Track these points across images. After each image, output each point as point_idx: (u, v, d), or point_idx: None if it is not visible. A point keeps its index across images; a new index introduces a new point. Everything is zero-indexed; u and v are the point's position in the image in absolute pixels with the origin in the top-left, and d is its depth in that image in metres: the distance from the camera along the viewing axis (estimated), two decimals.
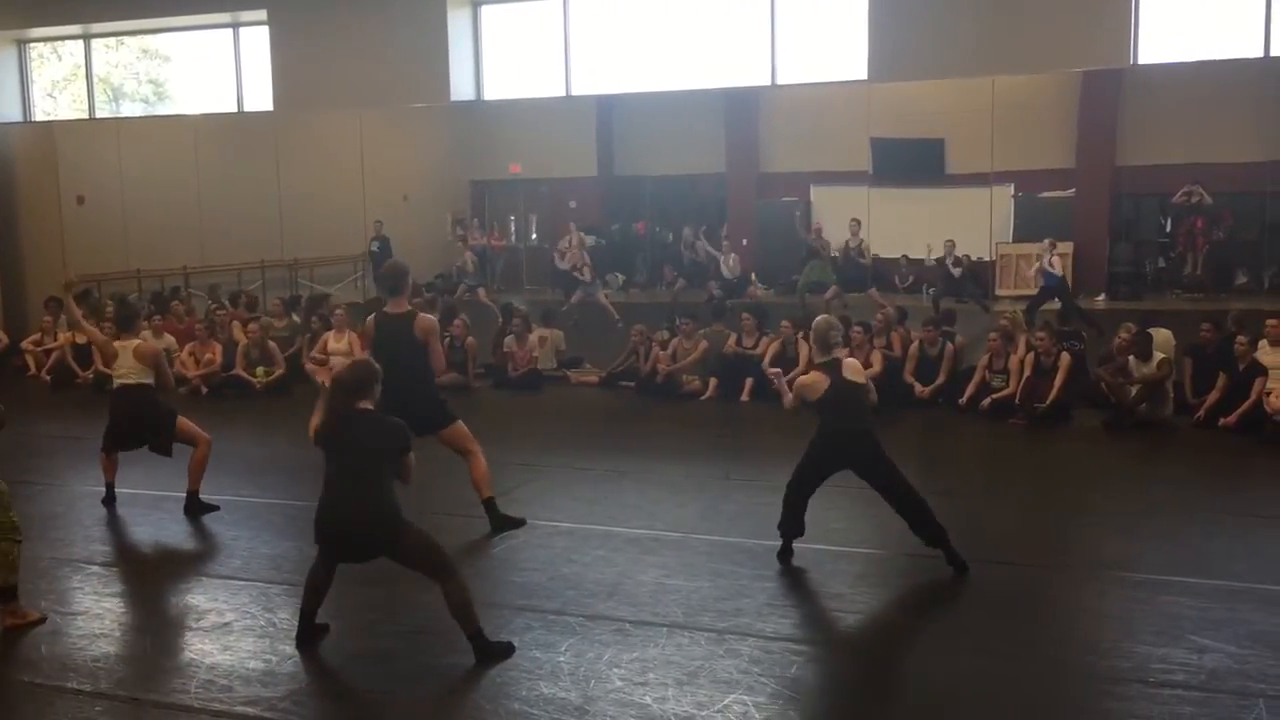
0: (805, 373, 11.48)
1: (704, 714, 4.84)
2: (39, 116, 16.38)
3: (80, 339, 13.49)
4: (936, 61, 11.86)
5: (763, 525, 7.07)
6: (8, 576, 5.88)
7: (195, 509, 7.95)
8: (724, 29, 12.97)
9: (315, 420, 5.43)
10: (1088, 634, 5.80)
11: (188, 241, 16.40)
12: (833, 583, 6.46)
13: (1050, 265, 15.51)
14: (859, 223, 17.38)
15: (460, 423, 7.42)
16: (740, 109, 20.68)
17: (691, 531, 7.36)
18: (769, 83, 12.72)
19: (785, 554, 6.70)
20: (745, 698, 4.97)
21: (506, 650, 5.42)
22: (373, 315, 7.43)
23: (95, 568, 7.01)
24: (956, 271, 17.07)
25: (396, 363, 6.48)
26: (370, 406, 5.41)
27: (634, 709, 4.88)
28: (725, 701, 4.94)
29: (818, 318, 7.07)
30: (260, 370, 12.90)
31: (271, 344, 13.10)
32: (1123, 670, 5.22)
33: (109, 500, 8.20)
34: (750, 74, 12.87)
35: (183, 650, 5.76)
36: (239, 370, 12.92)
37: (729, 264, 18.50)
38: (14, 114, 16.10)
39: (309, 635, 5.63)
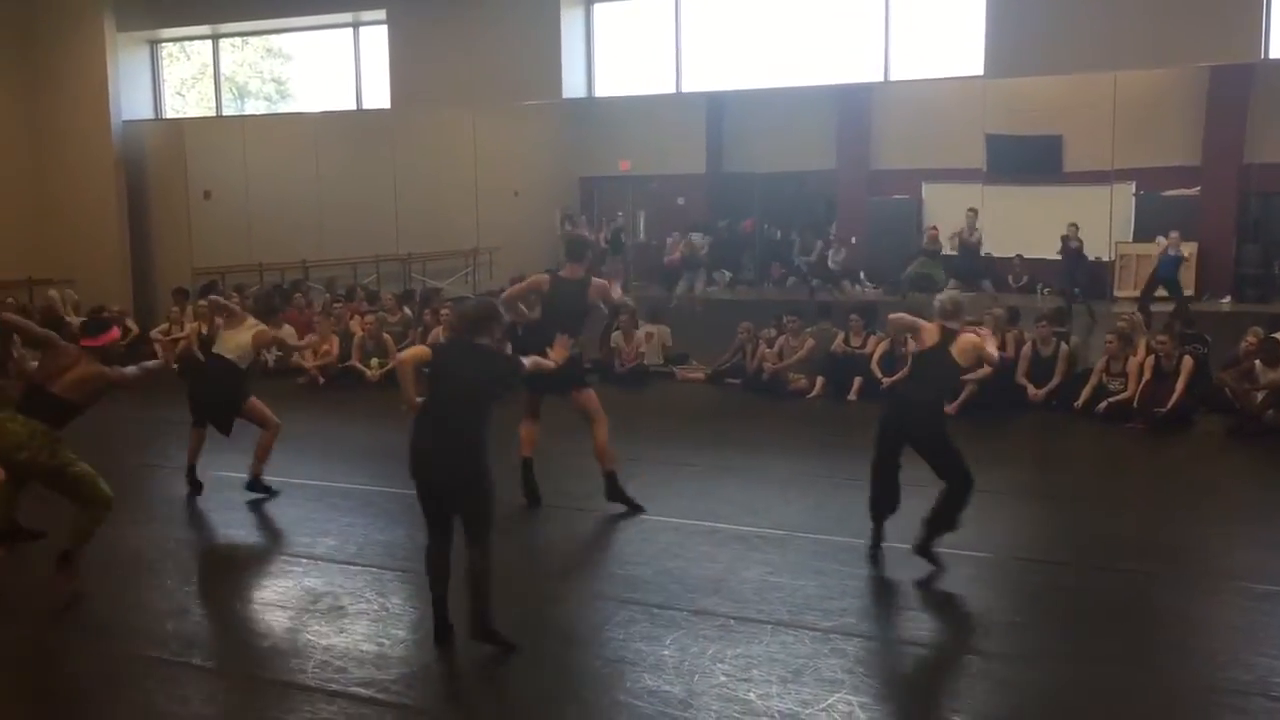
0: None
1: (808, 712, 4.83)
2: (169, 114, 17.03)
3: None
4: (1057, 56, 11.60)
5: (869, 525, 7.00)
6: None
7: (257, 489, 8.21)
8: (836, 25, 12.87)
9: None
10: (1206, 644, 5.63)
11: (307, 236, 16.84)
12: (941, 584, 6.38)
13: (1177, 250, 15.22)
14: (975, 212, 16.84)
15: (593, 391, 7.81)
16: (852, 105, 20.44)
17: (797, 529, 7.34)
18: (881, 79, 12.59)
19: (875, 542, 6.76)
20: (850, 697, 4.95)
21: (507, 646, 5.39)
22: (549, 274, 7.88)
23: (219, 549, 7.27)
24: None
25: (561, 321, 7.07)
26: (488, 344, 5.55)
27: (738, 704, 4.90)
28: (830, 700, 4.92)
29: (948, 294, 7.17)
30: (374, 362, 13.22)
31: (386, 336, 13.42)
32: (1243, 683, 5.06)
33: (192, 481, 8.37)
34: (863, 70, 12.75)
35: (300, 632, 5.94)
36: (354, 362, 13.26)
37: (837, 258, 18.53)
38: (146, 112, 16.77)
39: (444, 630, 5.58)
